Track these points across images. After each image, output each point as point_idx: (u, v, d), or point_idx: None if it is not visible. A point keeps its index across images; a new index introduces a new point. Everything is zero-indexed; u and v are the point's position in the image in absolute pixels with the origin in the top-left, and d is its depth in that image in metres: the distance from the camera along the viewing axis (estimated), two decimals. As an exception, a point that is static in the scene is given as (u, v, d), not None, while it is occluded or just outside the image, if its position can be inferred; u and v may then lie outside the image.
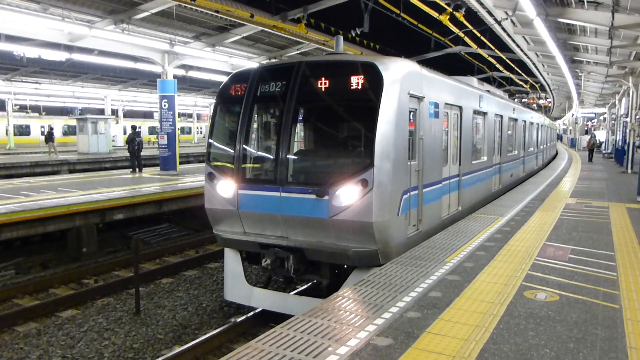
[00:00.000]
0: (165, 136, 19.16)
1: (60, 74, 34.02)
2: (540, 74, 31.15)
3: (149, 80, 35.26)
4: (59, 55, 21.40)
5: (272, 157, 7.57)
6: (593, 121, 56.34)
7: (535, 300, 4.98)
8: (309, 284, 9.26)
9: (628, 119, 22.31)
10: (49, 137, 29.84)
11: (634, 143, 21.00)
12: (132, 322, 8.32)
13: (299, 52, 22.61)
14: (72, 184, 15.38)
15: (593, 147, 29.28)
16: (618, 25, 12.83)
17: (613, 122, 34.06)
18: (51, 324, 8.25)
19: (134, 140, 19.49)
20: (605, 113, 42.26)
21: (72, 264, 11.64)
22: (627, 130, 21.62)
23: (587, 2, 13.15)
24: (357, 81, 6.72)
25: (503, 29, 17.70)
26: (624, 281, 5.66)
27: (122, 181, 16.45)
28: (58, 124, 46.84)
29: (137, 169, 19.76)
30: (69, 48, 19.19)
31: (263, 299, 7.79)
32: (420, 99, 7.49)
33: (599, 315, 4.62)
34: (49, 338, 7.70)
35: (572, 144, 52.12)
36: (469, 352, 3.82)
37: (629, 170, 20.59)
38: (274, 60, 21.85)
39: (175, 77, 19.84)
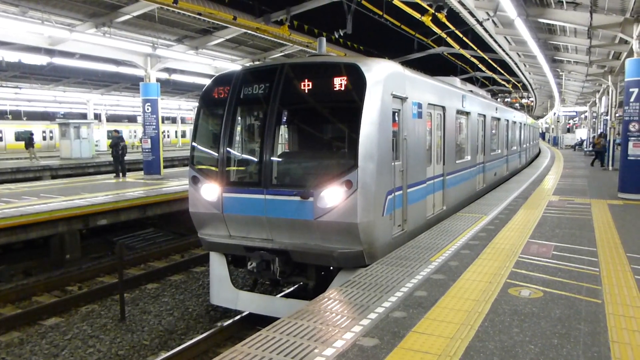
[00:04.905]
0: (149, 140, 19.00)
1: (41, 79, 33.57)
2: (522, 73, 31.52)
3: (131, 84, 34.94)
4: (40, 59, 21.14)
5: (256, 159, 7.55)
6: (575, 119, 57.11)
7: (520, 297, 5.03)
8: (295, 286, 9.24)
9: (608, 117, 22.66)
10: (29, 142, 29.44)
11: (614, 140, 21.32)
12: (117, 329, 8.23)
13: (282, 54, 22.59)
14: (55, 190, 15.18)
15: (603, 150, 22.55)
16: (596, 25, 13.04)
17: (594, 120, 34.57)
18: (34, 332, 8.13)
19: (117, 145, 19.29)
20: (586, 111, 42.86)
21: (55, 271, 11.47)
22: (608, 128, 21.94)
23: (566, 2, 13.36)
24: (340, 82, 6.73)
25: (485, 29, 17.89)
26: (606, 276, 5.74)
27: (106, 186, 16.28)
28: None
29: (120, 174, 19.56)
30: (49, 52, 18.97)
31: (249, 302, 7.76)
32: (403, 99, 7.53)
33: (582, 310, 4.68)
34: (32, 347, 7.57)
35: (555, 142, 52.84)
36: (455, 351, 3.84)
37: (610, 167, 20.90)
38: (257, 63, 21.81)
39: (158, 80, 19.70)
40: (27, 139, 30.32)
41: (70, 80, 34.31)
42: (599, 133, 27.05)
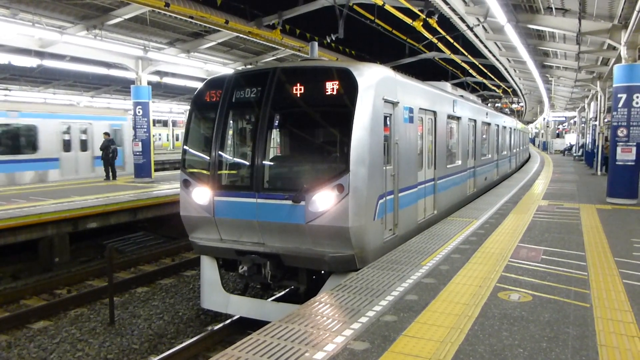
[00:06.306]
0: (140, 143, 18.93)
1: (31, 81, 33.28)
2: (512, 78, 31.73)
3: (122, 87, 34.75)
4: (30, 62, 20.97)
5: (247, 163, 7.55)
6: (564, 124, 57.61)
7: (509, 301, 5.07)
8: (287, 290, 9.24)
9: (597, 123, 22.86)
10: None
11: (602, 145, 21.50)
12: (106, 333, 8.18)
13: (274, 58, 22.60)
14: (44, 192, 15.06)
15: None
16: (585, 32, 13.17)
17: (583, 125, 34.88)
18: (22, 335, 8.06)
19: (108, 147, 19.20)
20: (575, 117, 43.25)
21: (44, 274, 11.40)
22: (596, 134, 22.14)
23: (555, 9, 13.48)
24: (331, 87, 6.76)
25: (475, 35, 18.00)
26: (594, 280, 5.80)
27: (96, 189, 16.18)
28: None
29: (110, 176, 19.46)
30: (40, 54, 18.82)
31: (240, 306, 7.74)
32: (394, 104, 7.57)
33: (570, 314, 4.72)
34: (19, 350, 7.51)
35: (544, 147, 53.26)
36: (445, 354, 3.86)
37: (599, 172, 21.09)
38: (249, 67, 21.81)
39: (149, 83, 19.64)
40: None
41: (60, 82, 34.04)
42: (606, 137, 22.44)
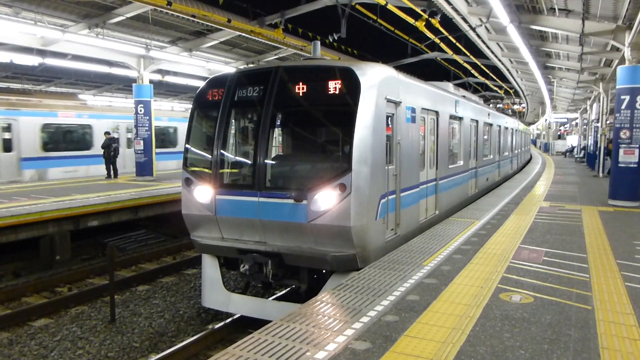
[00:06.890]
0: (142, 141, 18.95)
1: (33, 79, 33.30)
2: (514, 79, 31.69)
3: (124, 85, 34.76)
4: (32, 60, 20.98)
5: (249, 162, 7.55)
6: (566, 126, 57.53)
7: (511, 302, 5.06)
8: (288, 289, 9.23)
9: (599, 124, 22.82)
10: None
11: (605, 147, 21.44)
12: (107, 331, 8.18)
13: (276, 57, 22.59)
14: (45, 191, 15.07)
15: None
16: (588, 33, 13.14)
17: (585, 127, 34.82)
18: (23, 333, 8.07)
19: (109, 146, 19.22)
20: (577, 118, 43.19)
21: (45, 272, 11.40)
22: (598, 135, 22.09)
23: (559, 9, 13.45)
24: (334, 86, 6.75)
25: (478, 35, 17.98)
26: (596, 282, 5.78)
27: (97, 187, 16.18)
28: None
29: (112, 175, 19.48)
30: (41, 52, 18.82)
31: (241, 304, 7.74)
32: (397, 103, 7.56)
33: (572, 316, 4.71)
34: (21, 348, 7.52)
35: (546, 148, 53.20)
36: (446, 355, 3.85)
37: (601, 174, 21.06)
38: (251, 65, 21.80)
39: (151, 82, 19.64)
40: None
41: (62, 80, 34.06)
42: (609, 139, 21.54)
